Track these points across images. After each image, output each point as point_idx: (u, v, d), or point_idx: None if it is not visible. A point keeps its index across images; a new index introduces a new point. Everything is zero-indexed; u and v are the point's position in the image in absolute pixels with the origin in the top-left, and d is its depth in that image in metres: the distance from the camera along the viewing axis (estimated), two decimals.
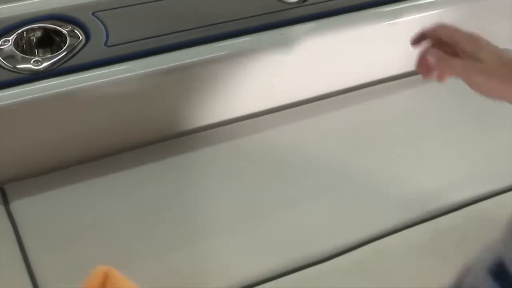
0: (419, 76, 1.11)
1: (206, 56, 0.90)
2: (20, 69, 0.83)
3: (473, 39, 0.71)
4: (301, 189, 0.89)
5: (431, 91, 1.07)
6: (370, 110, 1.03)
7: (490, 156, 0.97)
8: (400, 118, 1.02)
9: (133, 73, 0.86)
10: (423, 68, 0.74)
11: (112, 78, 0.85)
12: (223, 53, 0.91)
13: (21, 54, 0.84)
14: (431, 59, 0.72)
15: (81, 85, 0.83)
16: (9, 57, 0.84)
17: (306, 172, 0.92)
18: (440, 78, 0.74)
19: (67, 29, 0.87)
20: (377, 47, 1.04)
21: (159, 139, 0.94)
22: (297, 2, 0.98)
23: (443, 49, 0.72)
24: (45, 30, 0.88)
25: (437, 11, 1.04)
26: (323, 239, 0.83)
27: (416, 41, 0.76)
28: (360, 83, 1.08)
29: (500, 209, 0.87)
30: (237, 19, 0.94)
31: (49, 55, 0.85)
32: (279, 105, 1.02)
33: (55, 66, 0.83)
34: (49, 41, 0.88)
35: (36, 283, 0.74)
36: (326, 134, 0.99)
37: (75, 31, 0.88)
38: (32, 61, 0.83)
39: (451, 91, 1.01)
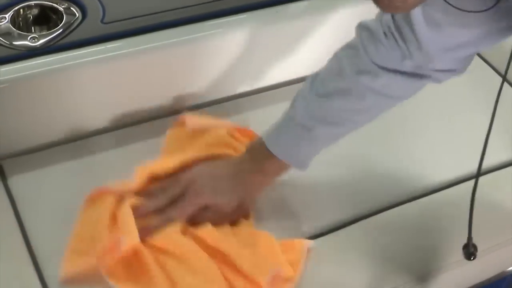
0: None
1: (203, 33, 0.91)
2: (16, 45, 0.83)
3: None
4: None
5: None
6: None
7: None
8: None
9: (129, 50, 0.86)
10: None
11: (109, 54, 0.85)
12: (219, 30, 0.92)
13: (17, 31, 0.84)
14: None
15: (78, 61, 0.84)
16: (6, 34, 0.84)
17: None
18: None
19: (63, 6, 0.88)
20: None
21: (156, 116, 0.95)
22: None
23: None
24: (42, 7, 0.88)
25: None
26: (324, 214, 0.84)
27: None
28: None
29: (495, 185, 0.89)
30: None
31: (46, 32, 0.85)
32: (275, 83, 1.03)
33: (51, 43, 0.84)
34: (46, 18, 0.88)
35: (34, 256, 0.75)
36: None
37: (72, 8, 0.88)
38: (28, 38, 0.84)
39: None
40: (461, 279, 0.84)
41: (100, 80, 0.87)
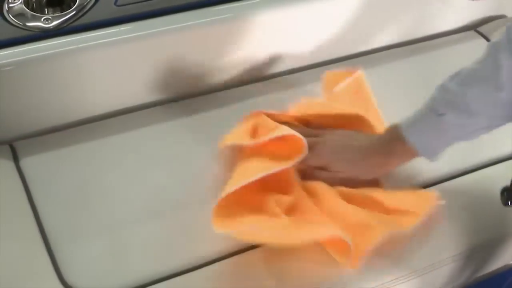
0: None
1: (215, 17, 0.91)
2: (30, 27, 0.83)
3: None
4: None
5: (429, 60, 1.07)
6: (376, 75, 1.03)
7: None
8: (395, 86, 1.01)
9: (143, 33, 0.87)
10: None
11: (122, 37, 0.86)
12: (231, 14, 0.92)
13: (31, 12, 0.84)
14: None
15: (91, 43, 0.84)
16: (19, 15, 0.84)
17: None
18: None
19: None
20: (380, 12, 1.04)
21: (167, 100, 0.95)
22: None
23: None
24: None
25: None
26: None
27: None
28: (365, 49, 1.08)
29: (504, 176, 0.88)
30: None
31: (59, 14, 0.85)
32: (289, 69, 1.03)
33: (65, 25, 0.84)
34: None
35: (46, 237, 0.76)
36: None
37: None
38: (42, 19, 0.83)
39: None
40: (464, 270, 0.84)
41: (113, 62, 0.87)
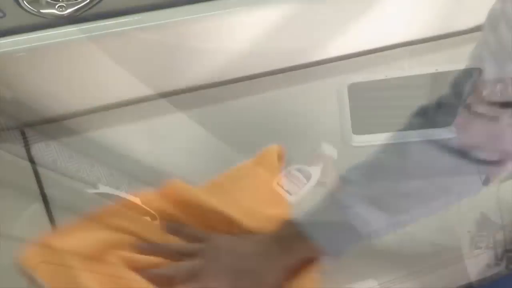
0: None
1: (227, 10, 0.90)
2: (44, 13, 0.83)
3: None
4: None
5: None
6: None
7: None
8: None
9: (156, 23, 0.86)
10: None
11: (135, 27, 0.85)
12: (240, 8, 0.91)
13: None
14: None
15: (104, 32, 0.84)
16: (34, 1, 0.83)
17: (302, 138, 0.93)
18: None
19: None
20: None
21: (174, 92, 0.95)
22: None
23: None
24: None
25: None
26: None
27: None
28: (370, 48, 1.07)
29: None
30: None
31: (74, 1, 0.85)
32: (289, 66, 1.02)
33: (79, 12, 0.84)
34: None
35: (55, 225, 0.77)
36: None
37: None
38: (56, 6, 0.83)
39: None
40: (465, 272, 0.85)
41: (125, 52, 0.87)
